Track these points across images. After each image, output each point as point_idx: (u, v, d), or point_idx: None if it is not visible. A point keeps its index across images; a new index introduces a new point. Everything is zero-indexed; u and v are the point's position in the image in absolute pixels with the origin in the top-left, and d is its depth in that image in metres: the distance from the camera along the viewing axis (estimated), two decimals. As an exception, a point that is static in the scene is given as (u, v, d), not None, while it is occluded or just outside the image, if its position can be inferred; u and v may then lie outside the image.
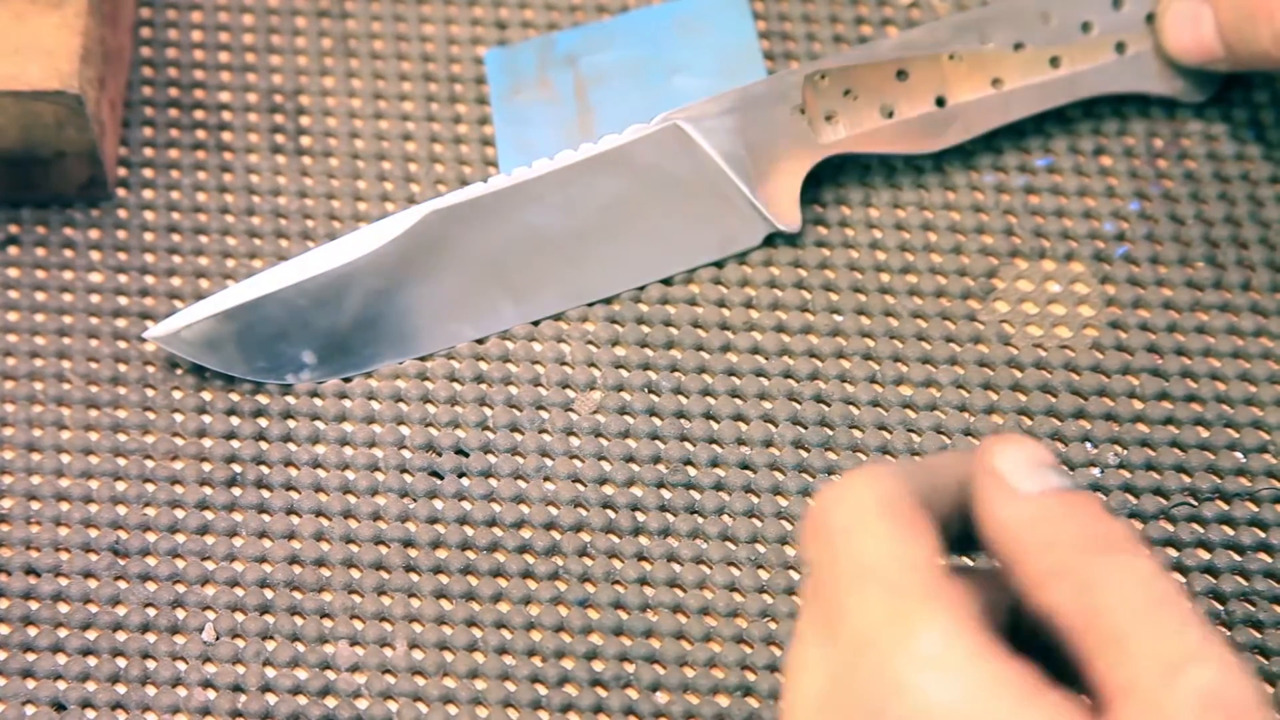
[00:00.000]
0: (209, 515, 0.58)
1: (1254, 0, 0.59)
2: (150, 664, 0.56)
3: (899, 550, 0.40)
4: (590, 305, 0.61)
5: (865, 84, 0.62)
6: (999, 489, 0.41)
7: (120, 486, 0.58)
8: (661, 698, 0.55)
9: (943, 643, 0.38)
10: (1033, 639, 0.41)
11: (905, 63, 0.62)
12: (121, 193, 0.63)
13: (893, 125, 0.62)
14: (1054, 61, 0.63)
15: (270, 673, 0.55)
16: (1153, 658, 0.38)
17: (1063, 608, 0.39)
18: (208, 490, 0.58)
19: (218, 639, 0.56)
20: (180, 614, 0.56)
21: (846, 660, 0.39)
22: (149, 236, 0.63)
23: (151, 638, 0.56)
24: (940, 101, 0.63)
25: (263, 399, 0.59)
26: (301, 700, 0.55)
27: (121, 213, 0.63)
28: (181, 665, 0.55)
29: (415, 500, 0.58)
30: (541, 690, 0.55)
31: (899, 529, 0.40)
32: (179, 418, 0.59)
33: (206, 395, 0.59)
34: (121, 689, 0.55)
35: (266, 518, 0.58)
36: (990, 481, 0.41)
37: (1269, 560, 0.57)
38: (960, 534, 0.43)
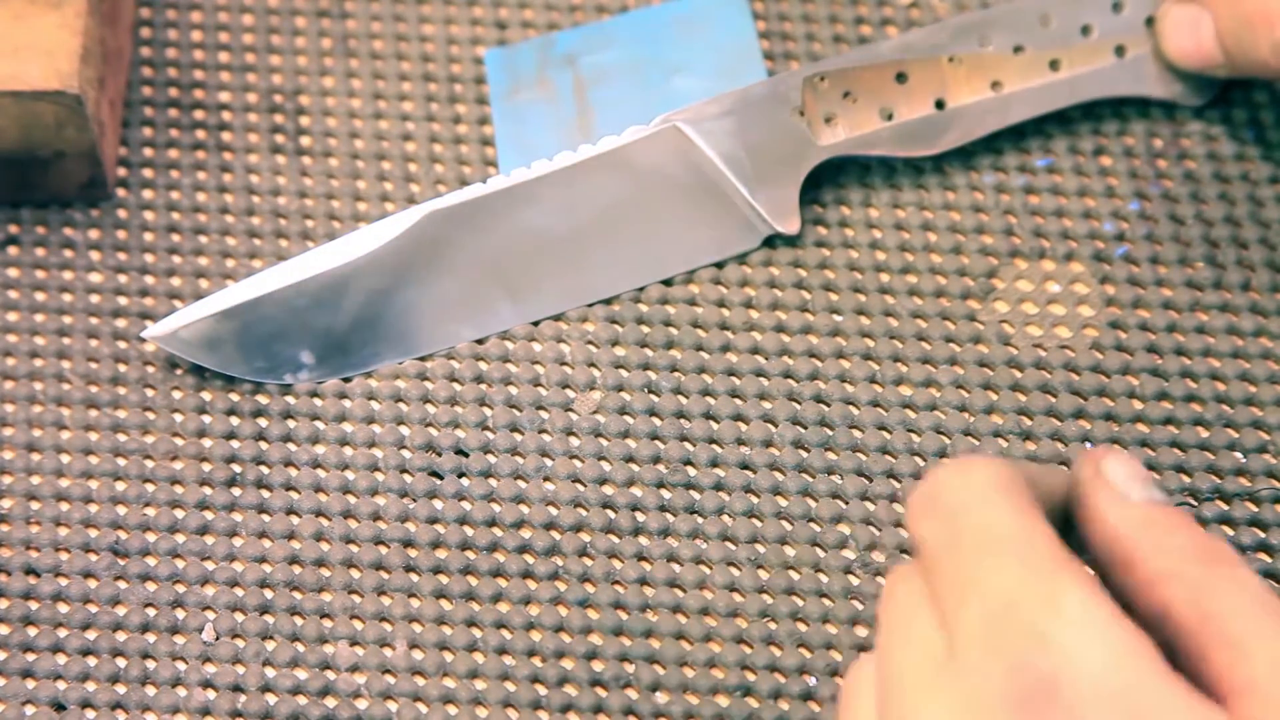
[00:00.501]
0: (209, 515, 0.58)
1: (1253, 9, 0.59)
2: (150, 664, 0.55)
3: (1026, 523, 0.41)
4: (590, 305, 0.61)
5: (865, 86, 0.62)
6: (1110, 494, 0.43)
7: (120, 486, 0.58)
8: (661, 698, 0.55)
9: (1085, 605, 0.39)
10: None
11: (905, 65, 0.62)
12: (121, 193, 0.63)
13: (892, 128, 0.62)
14: (1054, 64, 0.63)
15: (270, 673, 0.55)
16: (1272, 660, 0.39)
17: (1177, 606, 0.41)
18: (207, 490, 0.58)
19: (217, 639, 0.56)
20: (180, 614, 0.56)
21: (982, 624, 0.40)
22: (149, 236, 0.63)
23: (151, 638, 0.56)
24: (940, 104, 0.63)
25: (262, 399, 0.59)
26: (301, 700, 0.55)
27: (121, 213, 0.63)
28: (181, 665, 0.55)
29: (415, 500, 0.58)
30: (541, 690, 0.55)
31: (1023, 505, 0.42)
32: (179, 418, 0.59)
33: (206, 395, 0.59)
34: (121, 689, 0.55)
35: (266, 518, 0.58)
36: (1101, 486, 0.43)
37: (1269, 560, 0.57)
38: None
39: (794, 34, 0.66)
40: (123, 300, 0.61)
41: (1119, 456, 0.44)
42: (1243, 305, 0.61)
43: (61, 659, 0.56)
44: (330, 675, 0.55)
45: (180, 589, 0.56)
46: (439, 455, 0.58)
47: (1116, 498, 0.43)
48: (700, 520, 0.57)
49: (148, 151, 0.64)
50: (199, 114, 0.65)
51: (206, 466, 0.58)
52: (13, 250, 0.62)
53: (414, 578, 0.57)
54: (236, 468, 0.58)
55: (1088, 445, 0.58)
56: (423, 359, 0.60)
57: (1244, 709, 0.39)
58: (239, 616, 0.56)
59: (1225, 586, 0.41)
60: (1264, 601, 0.41)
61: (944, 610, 0.41)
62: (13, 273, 0.62)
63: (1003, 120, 0.63)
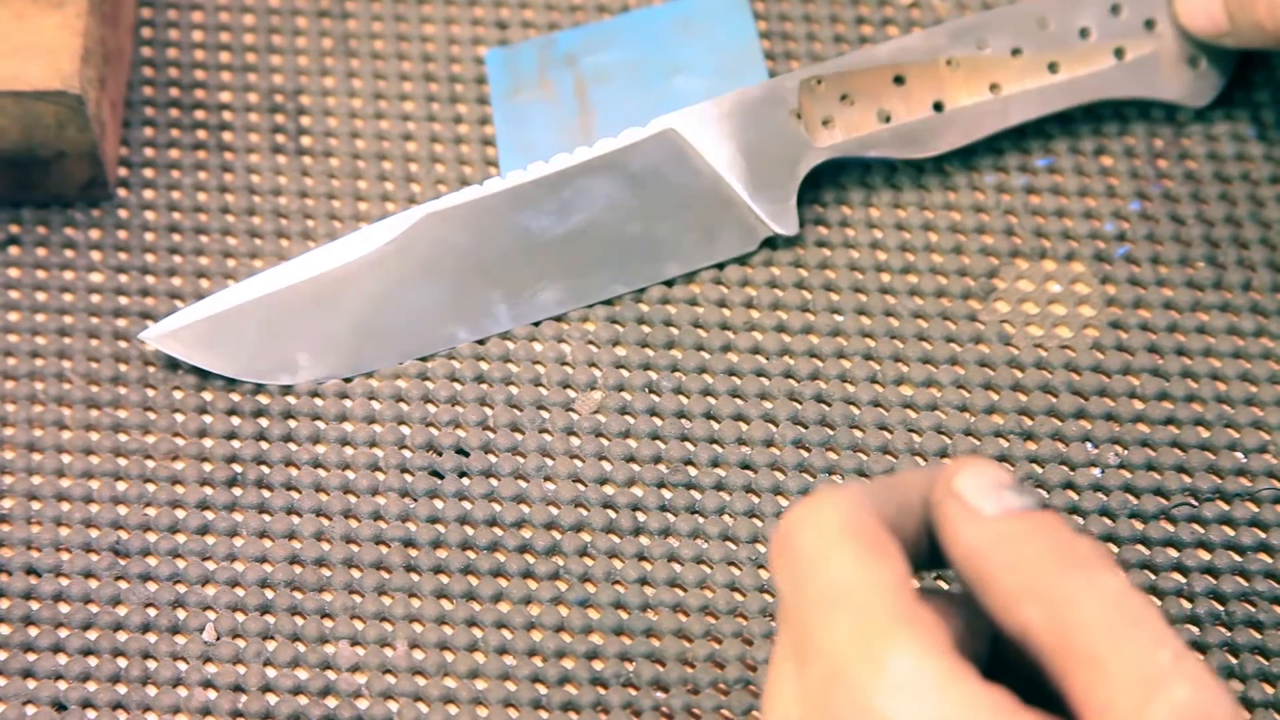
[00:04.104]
0: (210, 515, 0.58)
1: None
2: (151, 664, 0.55)
3: (866, 574, 0.40)
4: (590, 306, 0.61)
5: (862, 89, 0.62)
6: (961, 511, 0.41)
7: (121, 486, 0.58)
8: (662, 695, 0.55)
9: (913, 667, 0.38)
10: (1016, 663, 0.41)
11: (903, 68, 0.62)
12: (122, 193, 0.63)
13: (890, 130, 0.62)
14: (1052, 67, 0.63)
15: (271, 673, 0.55)
16: (1129, 677, 0.38)
17: (1034, 627, 0.39)
18: (208, 490, 0.58)
19: (218, 639, 0.56)
20: (181, 614, 0.56)
21: (818, 688, 0.39)
22: (150, 236, 0.63)
23: (152, 638, 0.56)
24: (938, 107, 0.63)
25: (263, 399, 0.59)
26: (302, 700, 0.55)
27: (122, 213, 0.63)
28: (182, 665, 0.55)
29: (416, 500, 0.58)
30: (542, 690, 0.55)
31: (866, 552, 0.40)
32: (180, 417, 0.59)
33: (207, 395, 0.59)
34: (122, 689, 0.55)
35: (267, 517, 0.58)
36: (951, 504, 0.41)
37: (1269, 561, 0.57)
38: (930, 552, 0.43)
39: (795, 34, 0.66)
40: (124, 300, 0.61)
41: (972, 468, 0.42)
42: (1244, 305, 0.61)
43: (62, 659, 0.55)
44: (331, 675, 0.55)
45: (181, 589, 0.56)
46: (440, 455, 0.58)
47: (968, 515, 0.41)
48: (701, 520, 0.57)
49: (149, 151, 0.64)
50: (200, 114, 0.65)
51: (207, 466, 0.58)
52: (14, 250, 0.62)
53: (415, 577, 0.57)
54: (237, 467, 0.58)
55: (1089, 446, 0.58)
56: (424, 359, 0.60)
57: None
58: (240, 616, 0.56)
59: (1084, 594, 0.39)
60: (1125, 607, 0.39)
61: (797, 667, 0.40)
62: (14, 273, 0.62)
63: (1001, 123, 0.63)
